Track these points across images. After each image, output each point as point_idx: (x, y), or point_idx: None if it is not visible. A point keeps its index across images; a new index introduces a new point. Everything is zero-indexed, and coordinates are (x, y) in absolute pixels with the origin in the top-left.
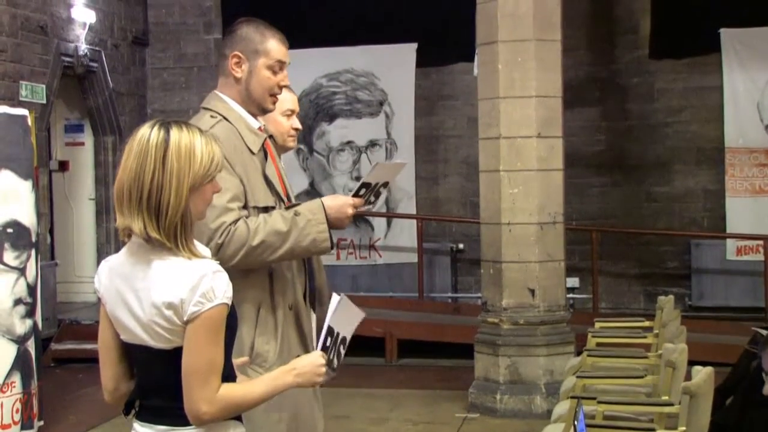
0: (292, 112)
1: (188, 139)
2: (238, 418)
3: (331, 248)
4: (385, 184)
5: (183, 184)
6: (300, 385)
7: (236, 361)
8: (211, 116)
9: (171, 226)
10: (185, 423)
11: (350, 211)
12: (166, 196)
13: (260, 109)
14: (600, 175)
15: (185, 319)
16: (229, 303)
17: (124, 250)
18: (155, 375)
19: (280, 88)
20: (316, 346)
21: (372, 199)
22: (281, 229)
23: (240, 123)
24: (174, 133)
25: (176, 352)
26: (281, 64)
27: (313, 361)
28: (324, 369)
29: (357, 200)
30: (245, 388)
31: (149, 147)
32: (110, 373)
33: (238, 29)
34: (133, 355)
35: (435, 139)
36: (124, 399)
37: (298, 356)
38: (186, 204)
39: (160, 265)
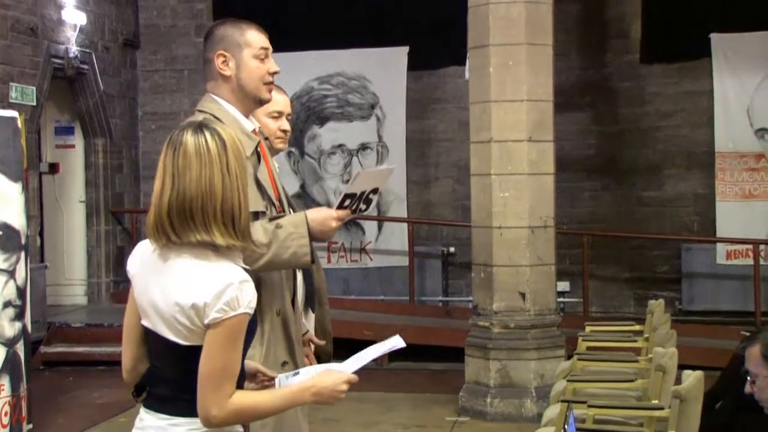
0: (280, 113)
1: (233, 137)
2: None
3: (313, 262)
4: (375, 191)
5: (245, 182)
6: (317, 404)
7: (249, 364)
8: (205, 119)
9: (245, 227)
10: (185, 414)
11: (334, 224)
12: (237, 201)
13: (257, 101)
14: (591, 179)
15: (206, 322)
16: (252, 312)
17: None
18: (166, 366)
19: (272, 74)
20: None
21: (362, 207)
22: (261, 241)
23: (234, 125)
24: (224, 135)
25: (190, 350)
26: (266, 51)
27: (335, 383)
28: (345, 389)
29: (342, 212)
30: (258, 398)
31: (211, 156)
32: (130, 353)
33: (215, 30)
34: (150, 341)
35: (426, 143)
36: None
37: (285, 363)
38: (247, 199)
39: (189, 265)
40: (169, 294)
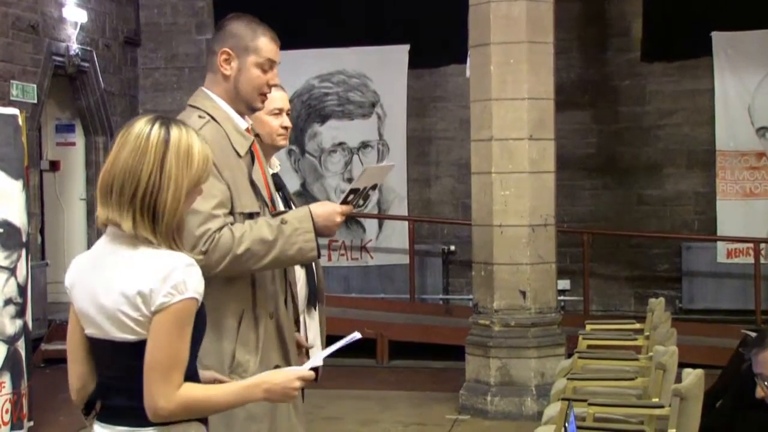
0: (280, 110)
1: (187, 141)
2: (204, 421)
3: (318, 257)
4: (374, 187)
5: (181, 187)
6: (269, 401)
7: (205, 373)
8: (199, 116)
9: (169, 230)
10: (145, 424)
11: (338, 219)
12: (163, 199)
13: (249, 108)
14: (591, 177)
15: (153, 309)
16: (200, 299)
17: (99, 242)
18: (117, 371)
19: (270, 86)
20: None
21: (360, 202)
22: (267, 238)
23: (227, 123)
24: (174, 132)
25: (140, 346)
26: (271, 63)
27: (286, 380)
28: (297, 385)
29: (345, 207)
30: (208, 392)
31: (148, 144)
32: (78, 372)
33: (229, 25)
34: (96, 351)
35: (427, 141)
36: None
37: (276, 366)
38: (183, 207)
39: (132, 254)
40: (112, 286)
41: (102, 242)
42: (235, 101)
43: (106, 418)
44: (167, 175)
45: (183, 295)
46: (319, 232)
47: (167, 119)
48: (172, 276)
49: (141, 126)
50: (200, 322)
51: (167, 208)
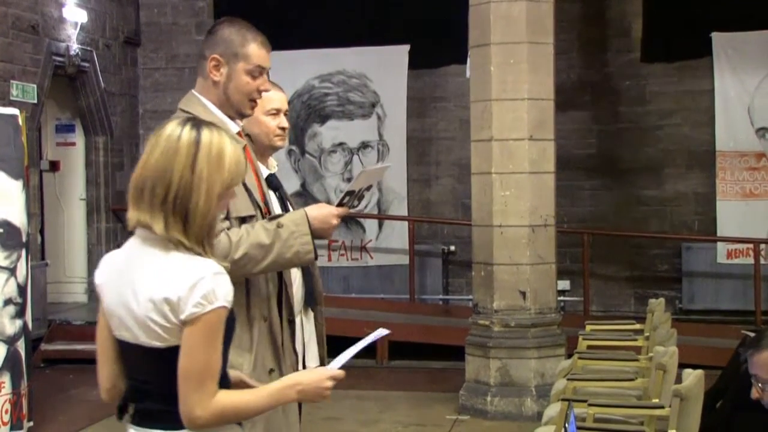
0: (278, 110)
1: (219, 143)
2: (239, 423)
3: (315, 259)
4: (368, 188)
5: (213, 189)
6: (302, 401)
7: (231, 373)
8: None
9: (200, 233)
10: (179, 427)
11: (335, 221)
12: (194, 201)
13: (238, 114)
14: (591, 178)
15: (182, 318)
16: (229, 306)
17: (127, 244)
18: (147, 376)
19: (260, 92)
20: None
21: (355, 203)
22: (264, 242)
23: None
24: (205, 134)
25: (169, 352)
26: (261, 69)
27: (319, 379)
28: (329, 385)
29: (342, 210)
30: (243, 397)
31: (179, 146)
32: (107, 371)
33: (219, 30)
34: (126, 355)
35: (427, 141)
36: (121, 397)
37: (272, 370)
38: (214, 211)
39: (161, 260)
40: (141, 291)
41: (132, 244)
42: (225, 107)
43: (139, 421)
44: (198, 177)
45: (213, 305)
46: (315, 234)
47: (199, 121)
48: (201, 285)
49: (172, 128)
50: (230, 327)
51: (199, 210)
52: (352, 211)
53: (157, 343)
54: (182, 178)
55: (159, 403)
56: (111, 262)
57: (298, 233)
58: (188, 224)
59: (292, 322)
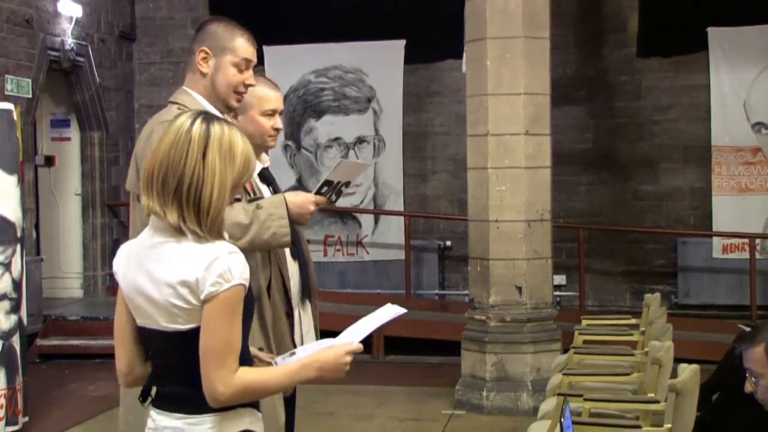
0: (274, 111)
1: (229, 136)
2: (255, 406)
3: (292, 243)
4: (347, 184)
5: (226, 182)
6: (322, 380)
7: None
8: (178, 108)
9: (215, 224)
10: (202, 411)
11: (312, 207)
12: (208, 193)
13: (225, 106)
14: (587, 172)
15: (202, 298)
16: (246, 284)
17: (143, 233)
18: (171, 360)
19: (246, 86)
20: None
21: (333, 197)
22: (242, 222)
23: None
24: (215, 128)
25: (192, 333)
26: (247, 63)
27: (337, 355)
28: (348, 360)
29: (319, 198)
30: (263, 375)
31: (190, 138)
32: (125, 356)
33: (208, 26)
34: (148, 341)
35: (423, 136)
36: (140, 382)
37: (261, 349)
38: (227, 203)
39: (174, 246)
40: (159, 278)
41: (147, 233)
42: (213, 99)
43: (162, 405)
44: (210, 170)
45: (230, 283)
46: (293, 219)
47: (209, 115)
48: (217, 264)
49: (182, 120)
50: (248, 305)
51: (213, 202)
52: (329, 205)
53: (178, 327)
54: (195, 172)
55: (181, 387)
56: (127, 251)
57: (276, 215)
58: (201, 215)
59: (290, 315)
